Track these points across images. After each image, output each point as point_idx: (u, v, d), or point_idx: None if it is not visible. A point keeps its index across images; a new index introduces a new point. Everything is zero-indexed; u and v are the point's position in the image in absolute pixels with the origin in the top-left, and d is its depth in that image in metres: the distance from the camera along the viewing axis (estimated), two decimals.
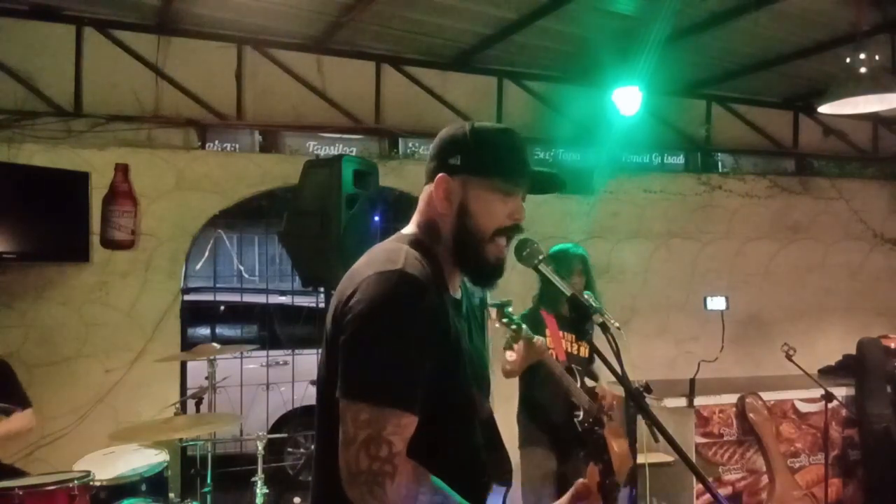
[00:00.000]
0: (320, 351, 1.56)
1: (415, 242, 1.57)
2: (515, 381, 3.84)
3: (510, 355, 3.42)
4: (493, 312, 3.14)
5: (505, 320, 3.23)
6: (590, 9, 4.74)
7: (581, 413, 3.66)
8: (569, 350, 3.80)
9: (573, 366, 3.73)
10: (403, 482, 1.35)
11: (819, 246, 7.02)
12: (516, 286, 4.01)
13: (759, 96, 6.86)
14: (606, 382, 3.87)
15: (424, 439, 1.41)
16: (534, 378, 3.68)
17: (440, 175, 1.58)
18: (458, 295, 1.65)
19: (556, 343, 3.75)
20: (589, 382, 3.77)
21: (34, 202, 4.52)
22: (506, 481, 1.62)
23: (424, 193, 1.63)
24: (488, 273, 1.61)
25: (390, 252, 1.51)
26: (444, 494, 1.41)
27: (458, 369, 1.52)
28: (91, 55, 4.95)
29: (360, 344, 1.40)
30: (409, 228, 1.64)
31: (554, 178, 1.67)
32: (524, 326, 3.38)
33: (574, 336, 3.82)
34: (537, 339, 3.45)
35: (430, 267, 1.51)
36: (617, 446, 3.69)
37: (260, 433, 4.26)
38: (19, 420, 3.78)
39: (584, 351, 3.84)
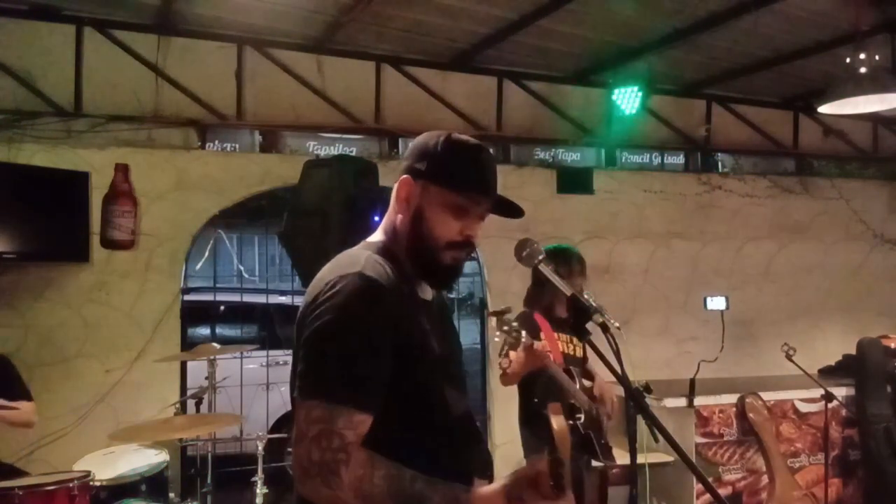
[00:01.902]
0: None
1: (381, 248, 1.61)
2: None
3: (505, 362, 3.35)
4: (492, 321, 3.01)
5: (505, 328, 3.07)
6: (590, 9, 4.74)
7: (582, 416, 3.64)
8: (564, 351, 3.77)
9: (570, 367, 3.71)
10: (358, 466, 1.37)
11: (819, 246, 7.01)
12: (516, 286, 4.04)
13: (759, 96, 6.85)
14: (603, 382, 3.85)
15: (395, 438, 1.44)
16: (534, 386, 3.62)
17: (403, 177, 1.62)
18: (429, 296, 1.66)
19: (553, 345, 3.73)
20: (586, 383, 3.76)
21: (34, 202, 4.52)
22: (487, 475, 1.63)
23: (393, 191, 1.67)
24: (443, 276, 1.63)
25: (352, 256, 1.57)
26: (399, 469, 1.40)
27: (424, 369, 1.53)
28: (91, 55, 4.95)
29: (315, 344, 1.46)
30: (377, 235, 1.68)
31: (513, 208, 1.66)
32: (524, 333, 3.22)
33: (568, 337, 3.79)
34: (538, 343, 3.32)
35: (395, 270, 1.55)
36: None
37: (260, 433, 4.25)
38: (23, 411, 3.78)
39: (579, 351, 3.81)
